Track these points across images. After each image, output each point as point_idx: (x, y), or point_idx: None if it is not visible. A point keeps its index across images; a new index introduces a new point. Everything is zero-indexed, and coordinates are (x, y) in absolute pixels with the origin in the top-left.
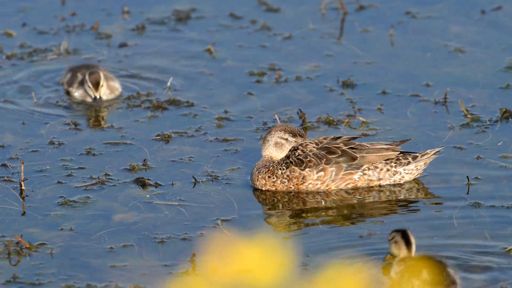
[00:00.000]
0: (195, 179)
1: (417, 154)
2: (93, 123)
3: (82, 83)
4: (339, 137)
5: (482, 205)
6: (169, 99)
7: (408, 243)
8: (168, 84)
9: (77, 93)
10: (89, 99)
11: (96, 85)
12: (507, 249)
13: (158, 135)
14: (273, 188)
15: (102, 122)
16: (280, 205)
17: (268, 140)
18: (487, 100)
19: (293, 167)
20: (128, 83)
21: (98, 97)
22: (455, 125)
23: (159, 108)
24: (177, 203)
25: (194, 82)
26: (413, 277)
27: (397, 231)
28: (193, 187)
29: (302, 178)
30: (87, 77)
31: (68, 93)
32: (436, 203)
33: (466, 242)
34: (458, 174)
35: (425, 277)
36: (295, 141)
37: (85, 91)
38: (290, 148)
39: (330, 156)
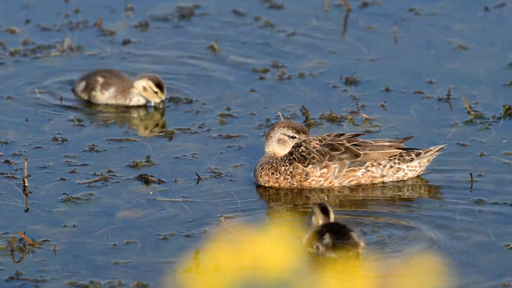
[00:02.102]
0: (198, 175)
1: (421, 151)
2: (120, 122)
3: (107, 85)
4: (343, 134)
5: (486, 202)
6: (174, 96)
7: (325, 211)
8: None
9: (105, 96)
10: (123, 101)
11: (162, 87)
12: (510, 246)
13: (161, 132)
14: (276, 185)
15: (157, 128)
16: (283, 201)
17: (271, 137)
18: (491, 97)
19: (296, 163)
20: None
21: (163, 100)
22: (459, 122)
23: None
24: (181, 199)
25: (197, 79)
26: (317, 241)
27: (314, 204)
28: (197, 183)
29: (305, 175)
30: (149, 83)
31: (87, 100)
32: (439, 200)
33: (469, 239)
34: (461, 171)
35: (327, 240)
36: (299, 138)
37: (123, 87)
38: (293, 144)
39: (333, 153)
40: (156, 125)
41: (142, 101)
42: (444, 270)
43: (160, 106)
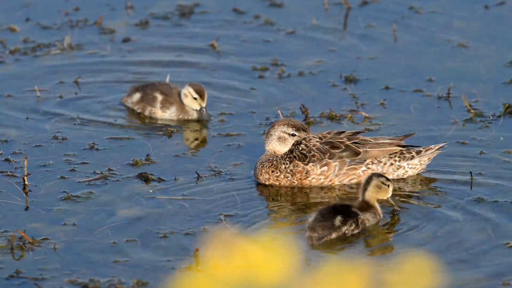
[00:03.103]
0: (198, 174)
1: (421, 149)
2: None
3: (168, 104)
4: (343, 132)
5: (485, 201)
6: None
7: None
8: (167, 80)
9: (166, 114)
10: (184, 116)
11: (203, 95)
12: (510, 244)
13: (162, 130)
14: (277, 183)
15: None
16: (284, 200)
17: (272, 135)
18: (491, 95)
19: (296, 161)
20: (131, 78)
21: (204, 107)
22: (458, 120)
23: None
24: (181, 197)
25: (197, 78)
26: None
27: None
28: (196, 182)
29: (306, 173)
30: (189, 89)
31: (140, 113)
32: (439, 198)
33: (469, 237)
34: (461, 169)
35: (309, 220)
36: (299, 136)
37: (181, 104)
38: (293, 142)
39: (333, 151)
40: (197, 139)
41: (195, 116)
42: (443, 268)
43: (204, 117)
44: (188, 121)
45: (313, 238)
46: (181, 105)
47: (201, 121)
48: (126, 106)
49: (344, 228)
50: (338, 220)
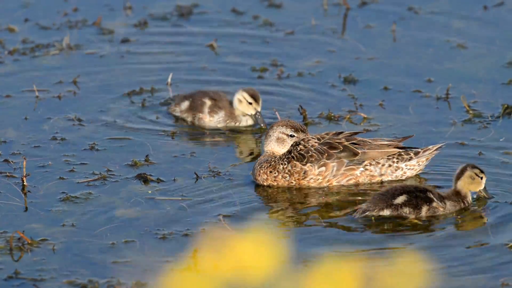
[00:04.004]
0: (197, 175)
1: (419, 150)
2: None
3: (216, 108)
4: (341, 133)
5: (484, 201)
6: (174, 95)
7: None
8: (169, 80)
9: (214, 119)
10: (231, 123)
11: (258, 99)
12: (509, 245)
13: (161, 131)
14: (275, 183)
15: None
16: (282, 200)
17: (270, 135)
18: (489, 96)
19: (294, 162)
20: (130, 78)
21: (259, 111)
22: (457, 121)
23: (163, 104)
24: (179, 198)
25: (196, 78)
26: None
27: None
28: (195, 182)
29: (304, 173)
30: (243, 94)
31: (191, 122)
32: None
33: (468, 238)
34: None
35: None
36: (297, 137)
37: (230, 110)
38: (292, 143)
39: (331, 151)
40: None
41: (250, 121)
42: (442, 268)
43: (259, 122)
44: (234, 129)
45: (359, 210)
46: (231, 111)
47: (254, 126)
48: (174, 116)
49: (404, 209)
50: (400, 199)
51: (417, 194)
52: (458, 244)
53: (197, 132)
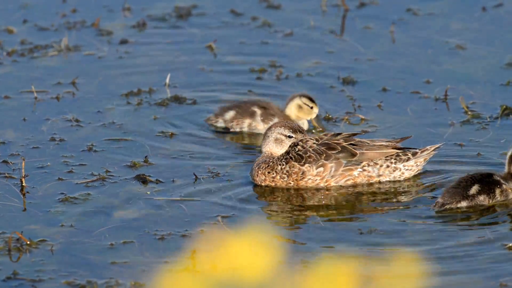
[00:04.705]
0: (195, 175)
1: (417, 150)
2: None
3: (270, 116)
4: (340, 134)
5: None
6: (172, 96)
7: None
8: (167, 80)
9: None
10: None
11: (315, 101)
12: (508, 246)
13: (160, 132)
14: (273, 184)
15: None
16: (280, 201)
17: (268, 136)
18: (488, 97)
19: (292, 162)
20: (129, 79)
21: (317, 114)
22: (456, 122)
23: (161, 105)
24: (178, 199)
25: (194, 79)
26: None
27: None
28: (194, 183)
29: (302, 174)
30: (303, 99)
31: (239, 131)
32: (435, 200)
33: (467, 239)
34: (458, 171)
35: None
36: (295, 137)
37: (283, 116)
38: (290, 144)
39: (329, 152)
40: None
41: (305, 126)
42: (441, 269)
43: (320, 124)
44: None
45: (437, 203)
46: (285, 117)
47: (316, 128)
48: (214, 126)
49: (480, 198)
50: (474, 189)
51: (486, 180)
52: (457, 246)
53: (196, 133)
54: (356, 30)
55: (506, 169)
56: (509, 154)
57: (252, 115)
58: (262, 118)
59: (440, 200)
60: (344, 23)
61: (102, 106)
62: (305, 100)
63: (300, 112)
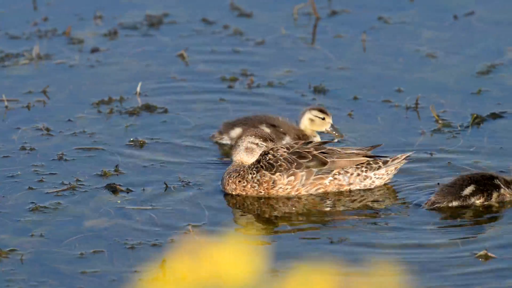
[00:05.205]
0: (166, 184)
1: (388, 159)
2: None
3: (281, 134)
4: (310, 142)
5: (453, 211)
6: (143, 104)
7: None
8: (138, 89)
9: (284, 142)
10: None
11: (328, 112)
12: (477, 255)
13: (131, 141)
14: (244, 193)
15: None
16: (251, 210)
17: (239, 145)
18: (459, 105)
19: (263, 171)
20: (100, 88)
21: (332, 123)
22: (426, 131)
23: (132, 114)
24: (149, 207)
25: (166, 88)
26: None
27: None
28: (164, 192)
29: (273, 183)
30: (313, 112)
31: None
32: (406, 209)
33: (437, 248)
34: (429, 179)
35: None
36: (266, 146)
37: (296, 131)
38: (260, 152)
39: (300, 161)
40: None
41: (317, 139)
42: (411, 278)
43: (339, 132)
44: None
45: (429, 202)
46: (298, 133)
47: (338, 137)
48: (218, 144)
49: (473, 199)
50: (468, 190)
51: (485, 182)
52: (427, 254)
53: (166, 142)
54: (327, 39)
55: None
56: None
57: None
58: (274, 136)
59: (432, 198)
60: (315, 31)
61: (73, 115)
62: (315, 112)
63: (313, 125)
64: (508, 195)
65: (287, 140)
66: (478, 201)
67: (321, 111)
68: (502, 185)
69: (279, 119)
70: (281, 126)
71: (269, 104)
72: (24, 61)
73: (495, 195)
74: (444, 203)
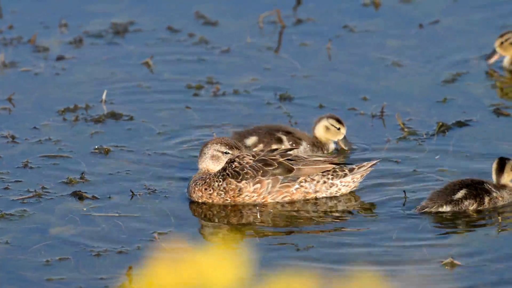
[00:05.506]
0: (132, 192)
1: (354, 166)
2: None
3: (298, 140)
4: (276, 149)
5: (419, 219)
6: (108, 112)
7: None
8: (103, 97)
9: (300, 150)
10: (317, 151)
11: (343, 122)
12: (443, 262)
13: (96, 149)
14: (210, 201)
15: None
16: (217, 218)
17: (205, 153)
18: (424, 113)
19: (229, 179)
20: (65, 95)
21: (345, 135)
22: (392, 139)
23: (97, 122)
24: (116, 214)
25: (131, 96)
26: None
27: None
28: (131, 200)
29: (239, 190)
30: (330, 121)
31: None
32: (372, 216)
33: (403, 255)
34: (394, 187)
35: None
36: (232, 154)
37: (311, 138)
38: (226, 160)
39: (266, 168)
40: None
41: (331, 147)
42: (377, 285)
43: (346, 148)
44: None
45: (418, 206)
46: (313, 140)
47: (342, 150)
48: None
49: (466, 203)
50: (460, 194)
51: (476, 186)
52: (393, 262)
53: (132, 150)
54: (293, 47)
55: (494, 181)
56: (494, 165)
57: (279, 141)
58: (290, 143)
59: (423, 203)
60: (281, 39)
61: (38, 123)
62: (332, 121)
63: (328, 133)
64: (500, 199)
65: (304, 146)
66: (471, 207)
67: (338, 121)
68: (493, 189)
69: (291, 128)
70: (296, 132)
71: (234, 112)
72: None
73: (487, 199)
74: (435, 207)
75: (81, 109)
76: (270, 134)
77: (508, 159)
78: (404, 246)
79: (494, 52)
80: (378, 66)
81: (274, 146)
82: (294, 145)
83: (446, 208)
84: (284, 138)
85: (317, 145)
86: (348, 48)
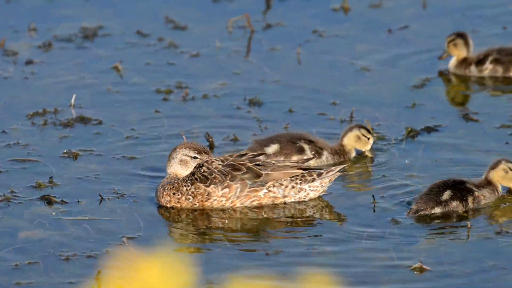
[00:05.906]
0: (101, 196)
1: (322, 171)
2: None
3: (320, 149)
4: (245, 154)
5: (388, 224)
6: (77, 116)
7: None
8: (72, 101)
9: (322, 159)
10: (340, 159)
11: (372, 133)
12: (412, 267)
13: (65, 153)
14: (178, 205)
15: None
16: (186, 222)
17: (173, 158)
18: (393, 119)
19: (198, 183)
20: (34, 99)
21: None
22: None
23: (66, 126)
24: (86, 218)
25: (100, 100)
26: None
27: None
28: (99, 204)
29: (207, 195)
30: (360, 130)
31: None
32: (341, 221)
33: (372, 261)
34: (363, 192)
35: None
36: (200, 158)
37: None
38: (195, 165)
39: (235, 173)
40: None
41: (353, 154)
42: None
43: (371, 156)
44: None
45: (411, 210)
46: (336, 148)
47: (367, 157)
48: None
49: (453, 204)
50: (446, 194)
51: (458, 187)
52: (362, 267)
53: (101, 154)
54: (262, 52)
55: (484, 176)
56: (491, 163)
57: (301, 150)
58: (312, 152)
59: (414, 206)
60: (250, 44)
61: (7, 127)
62: (363, 131)
63: (358, 143)
64: (482, 197)
65: (326, 154)
66: (458, 207)
67: (369, 131)
68: (474, 188)
69: (311, 136)
70: (316, 141)
71: (204, 117)
72: None
73: (470, 199)
74: (427, 210)
75: (50, 113)
76: (292, 143)
77: (508, 162)
78: (373, 250)
79: (444, 51)
80: (347, 71)
81: (294, 158)
82: (316, 155)
83: (437, 210)
84: (306, 147)
85: (340, 153)
86: (317, 53)
